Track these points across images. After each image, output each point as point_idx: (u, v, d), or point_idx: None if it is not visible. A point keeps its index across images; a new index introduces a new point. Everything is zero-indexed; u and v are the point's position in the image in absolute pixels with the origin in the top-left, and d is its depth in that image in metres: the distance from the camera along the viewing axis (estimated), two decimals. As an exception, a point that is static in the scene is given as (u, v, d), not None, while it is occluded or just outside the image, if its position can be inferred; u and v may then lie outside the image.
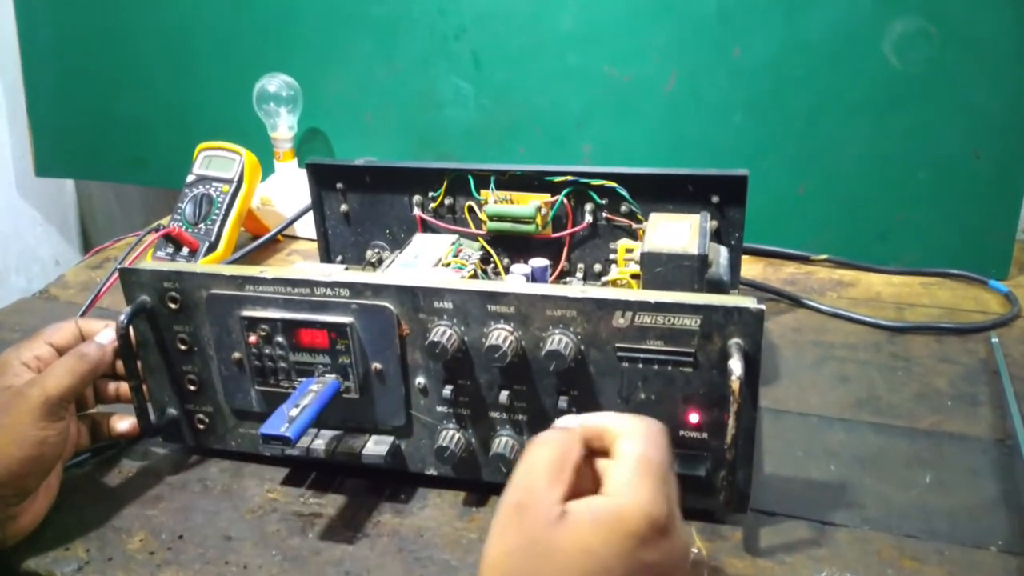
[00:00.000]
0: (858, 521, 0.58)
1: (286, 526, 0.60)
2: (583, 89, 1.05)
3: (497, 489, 0.53)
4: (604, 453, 0.46)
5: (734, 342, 0.52)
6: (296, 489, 0.64)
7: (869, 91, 0.94)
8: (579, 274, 0.81)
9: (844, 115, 0.96)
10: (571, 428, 0.46)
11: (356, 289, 0.58)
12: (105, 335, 0.62)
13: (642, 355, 0.54)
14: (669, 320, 0.53)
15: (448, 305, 0.56)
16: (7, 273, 1.42)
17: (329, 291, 0.58)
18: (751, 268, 0.98)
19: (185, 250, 0.97)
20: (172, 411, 0.66)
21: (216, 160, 1.02)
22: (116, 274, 0.87)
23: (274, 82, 1.11)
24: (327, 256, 0.87)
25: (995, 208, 0.93)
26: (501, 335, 0.55)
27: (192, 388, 0.65)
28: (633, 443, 0.44)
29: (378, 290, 0.57)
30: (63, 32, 1.27)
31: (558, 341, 0.54)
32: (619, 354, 0.55)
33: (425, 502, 0.62)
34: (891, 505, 0.60)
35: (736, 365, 0.50)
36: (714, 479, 0.56)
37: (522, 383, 0.58)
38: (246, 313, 0.60)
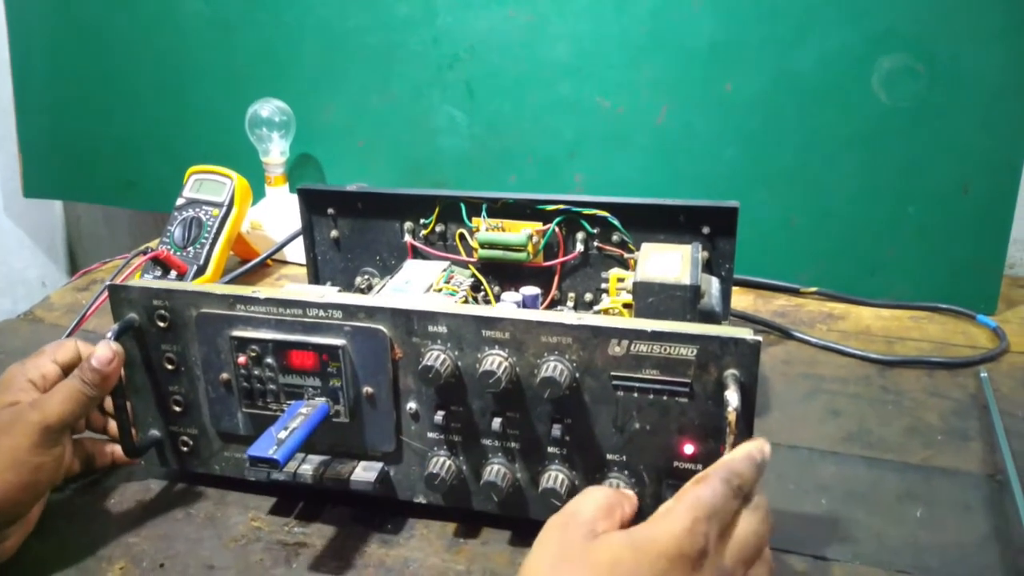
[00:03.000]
0: (850, 556, 0.58)
1: (270, 556, 0.59)
2: (575, 119, 1.06)
3: (488, 519, 0.52)
4: None
5: (730, 373, 0.52)
6: (280, 518, 0.63)
7: (859, 126, 0.95)
8: (570, 303, 0.81)
9: (834, 150, 0.96)
10: (630, 495, 0.51)
11: (349, 311, 0.57)
12: (101, 355, 0.58)
13: (637, 384, 0.54)
14: (665, 349, 0.53)
15: (443, 329, 0.56)
16: (-9, 294, 1.41)
17: (322, 312, 0.58)
18: (741, 300, 0.98)
19: (173, 273, 0.96)
20: (155, 432, 0.65)
21: (207, 184, 1.02)
22: (103, 296, 0.87)
23: (267, 107, 1.11)
24: (316, 281, 0.87)
25: (983, 243, 0.94)
26: (495, 361, 0.55)
27: (177, 409, 0.64)
28: (695, 483, 0.45)
29: (372, 312, 0.57)
30: (54, 53, 1.27)
31: (553, 368, 0.54)
32: (614, 383, 0.54)
33: (412, 532, 0.61)
34: (883, 540, 0.59)
35: (733, 396, 0.50)
36: None
37: (515, 410, 0.57)
38: (236, 333, 0.59)
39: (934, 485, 0.65)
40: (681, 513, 0.43)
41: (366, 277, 0.84)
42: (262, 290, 0.60)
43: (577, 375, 0.54)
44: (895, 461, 0.68)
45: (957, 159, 0.92)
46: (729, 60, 0.98)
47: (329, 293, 0.60)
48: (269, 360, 0.59)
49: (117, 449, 0.65)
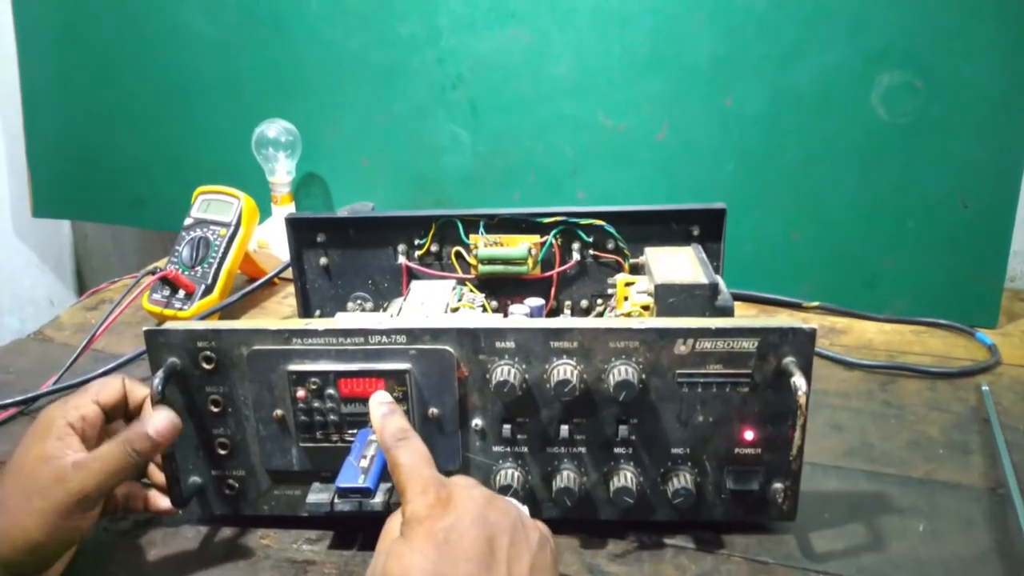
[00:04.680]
0: (853, 570, 0.58)
1: (279, 573, 0.59)
2: (577, 137, 1.07)
3: (553, 526, 0.54)
4: None
5: (790, 360, 0.55)
6: (289, 535, 0.63)
7: (858, 141, 0.96)
8: (567, 311, 0.83)
9: (834, 165, 0.97)
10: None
11: (414, 335, 0.58)
12: (160, 426, 0.56)
13: (701, 379, 0.57)
14: (728, 344, 0.56)
15: (510, 344, 0.57)
16: (0, 314, 1.42)
17: (385, 338, 0.58)
18: (744, 314, 0.98)
19: (181, 292, 0.97)
20: (196, 479, 0.63)
21: (214, 204, 1.03)
22: (113, 316, 0.88)
23: (273, 127, 1.13)
24: (306, 312, 0.85)
25: (983, 257, 0.94)
26: (567, 370, 0.56)
27: (223, 452, 0.62)
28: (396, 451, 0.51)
29: (437, 334, 0.58)
30: (64, 74, 1.29)
31: (624, 371, 0.56)
32: (679, 380, 0.57)
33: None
34: (885, 554, 0.60)
35: (801, 381, 0.54)
36: (766, 491, 0.60)
37: (582, 416, 0.59)
38: (293, 367, 0.59)
39: (936, 499, 0.66)
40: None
41: (359, 302, 0.84)
42: (317, 322, 0.59)
43: (643, 376, 0.57)
44: (897, 475, 0.69)
45: (956, 173, 0.93)
46: (729, 76, 0.99)
47: (384, 319, 0.60)
48: (330, 391, 0.59)
49: (153, 495, 0.62)
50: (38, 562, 0.54)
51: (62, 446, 0.55)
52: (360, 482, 0.53)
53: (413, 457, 0.49)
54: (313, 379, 0.59)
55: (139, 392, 0.61)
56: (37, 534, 0.53)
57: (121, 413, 0.61)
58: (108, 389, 0.60)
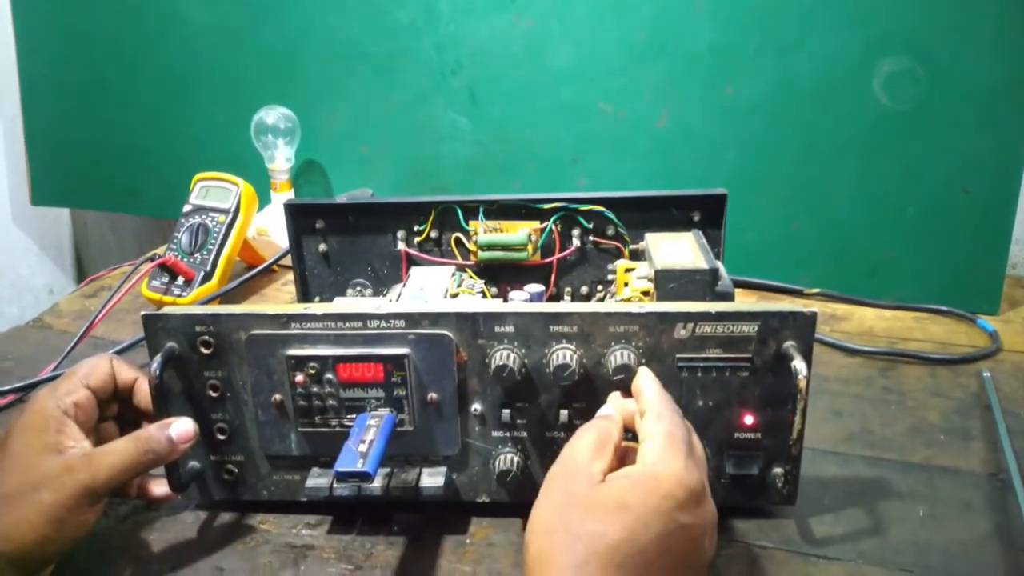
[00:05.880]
0: (853, 555, 0.58)
1: (278, 558, 0.59)
2: (577, 125, 1.06)
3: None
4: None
5: (790, 344, 0.55)
6: (288, 520, 0.63)
7: (859, 129, 0.96)
8: (567, 298, 0.83)
9: (835, 153, 0.97)
10: (611, 415, 0.52)
11: (413, 319, 0.58)
12: (183, 432, 0.56)
13: (701, 364, 0.57)
14: (728, 328, 0.56)
15: (510, 329, 0.57)
16: (-1, 302, 1.42)
17: (384, 323, 0.58)
18: (744, 301, 0.98)
19: (180, 279, 0.97)
20: (195, 464, 0.62)
21: (213, 190, 1.03)
22: (112, 302, 0.88)
23: (272, 114, 1.12)
24: (304, 297, 0.85)
25: (985, 244, 0.94)
26: (567, 354, 0.56)
27: (221, 437, 0.62)
28: (657, 421, 0.49)
29: (436, 319, 0.58)
30: (62, 63, 1.29)
31: (624, 356, 0.56)
32: (679, 364, 0.57)
33: (418, 533, 0.62)
34: (885, 539, 0.60)
35: (801, 365, 0.54)
36: (766, 476, 0.59)
37: (581, 400, 0.59)
38: (292, 352, 0.58)
39: (936, 484, 0.66)
40: (671, 455, 0.46)
41: (358, 289, 0.84)
42: (316, 306, 0.59)
43: (643, 360, 0.57)
44: (897, 461, 0.69)
45: (958, 160, 0.93)
46: (729, 64, 0.98)
47: (384, 303, 0.60)
48: (329, 376, 0.58)
49: (152, 482, 0.62)
50: (45, 558, 0.54)
51: (63, 438, 0.55)
52: (359, 466, 0.53)
53: (681, 430, 0.49)
54: (312, 364, 0.58)
55: (126, 373, 0.61)
56: (45, 529, 0.52)
57: (112, 395, 0.61)
58: (98, 372, 0.59)
